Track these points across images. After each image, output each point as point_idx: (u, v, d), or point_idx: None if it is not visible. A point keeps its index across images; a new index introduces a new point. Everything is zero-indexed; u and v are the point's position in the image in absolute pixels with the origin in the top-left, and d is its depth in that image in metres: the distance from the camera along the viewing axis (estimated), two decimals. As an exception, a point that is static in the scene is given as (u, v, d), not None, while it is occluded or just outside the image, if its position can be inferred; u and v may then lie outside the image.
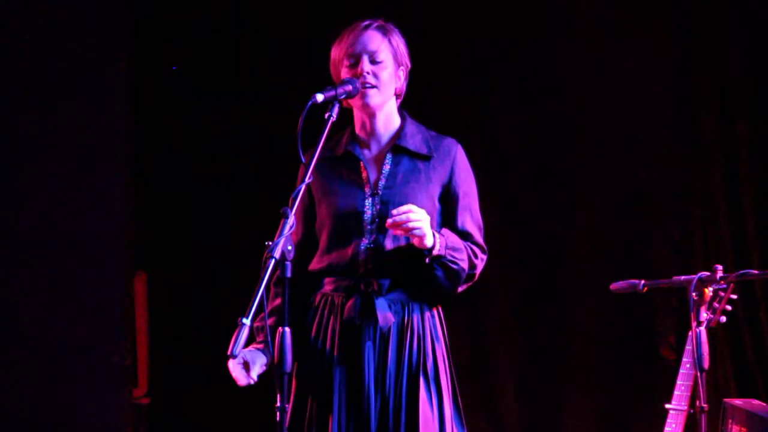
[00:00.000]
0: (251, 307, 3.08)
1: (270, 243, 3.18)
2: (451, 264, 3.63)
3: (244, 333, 3.06)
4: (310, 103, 3.47)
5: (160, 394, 6.07)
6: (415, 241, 3.59)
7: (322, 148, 3.62)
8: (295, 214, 3.27)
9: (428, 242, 3.58)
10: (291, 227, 3.23)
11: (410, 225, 3.53)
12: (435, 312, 3.77)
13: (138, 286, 5.98)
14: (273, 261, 3.15)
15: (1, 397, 5.39)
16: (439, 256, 3.61)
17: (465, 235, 3.74)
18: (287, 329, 3.20)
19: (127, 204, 5.67)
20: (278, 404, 3.19)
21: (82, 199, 5.51)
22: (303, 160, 3.40)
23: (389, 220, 3.54)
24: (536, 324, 5.69)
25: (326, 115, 3.53)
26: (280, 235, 3.20)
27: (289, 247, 3.20)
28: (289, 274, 3.20)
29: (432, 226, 3.65)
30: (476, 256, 3.73)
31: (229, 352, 3.05)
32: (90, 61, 5.55)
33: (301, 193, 3.33)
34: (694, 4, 5.48)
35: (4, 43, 5.45)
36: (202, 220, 6.02)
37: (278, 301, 3.80)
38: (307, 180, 3.39)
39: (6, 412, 5.38)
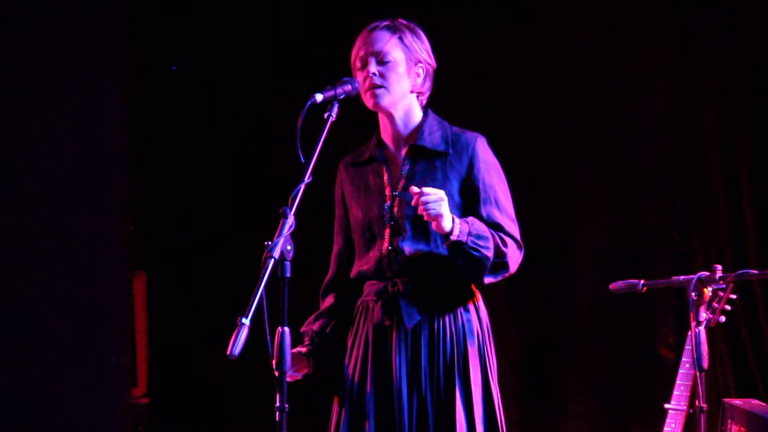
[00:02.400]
0: (251, 307, 3.09)
1: (269, 243, 3.18)
2: (473, 251, 3.59)
3: (244, 333, 3.07)
4: (309, 102, 3.48)
5: (160, 394, 6.07)
6: (433, 225, 3.57)
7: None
8: (295, 215, 3.28)
9: (446, 225, 3.55)
10: (291, 227, 3.23)
11: (426, 202, 3.51)
12: (470, 305, 3.75)
13: (138, 286, 5.98)
14: (272, 261, 3.16)
15: (1, 397, 5.39)
16: (459, 243, 3.58)
17: (494, 227, 3.71)
18: (286, 329, 3.20)
19: (126, 204, 5.67)
20: (278, 404, 3.19)
21: (81, 199, 5.51)
22: (303, 160, 3.40)
23: (413, 190, 3.52)
24: (536, 324, 5.69)
25: (325, 115, 3.53)
26: (280, 235, 3.20)
27: (289, 247, 3.20)
28: (288, 274, 3.20)
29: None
30: (505, 245, 3.67)
31: (228, 352, 3.06)
32: (90, 61, 5.55)
33: (300, 193, 3.34)
34: (694, 4, 5.48)
35: (4, 43, 5.44)
36: (201, 219, 6.02)
37: (328, 303, 3.88)
38: (306, 180, 3.39)
39: (6, 412, 5.38)
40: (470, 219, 3.64)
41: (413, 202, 3.54)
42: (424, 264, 3.68)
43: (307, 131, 3.44)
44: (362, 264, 3.78)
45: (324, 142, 3.49)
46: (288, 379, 3.72)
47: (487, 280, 3.71)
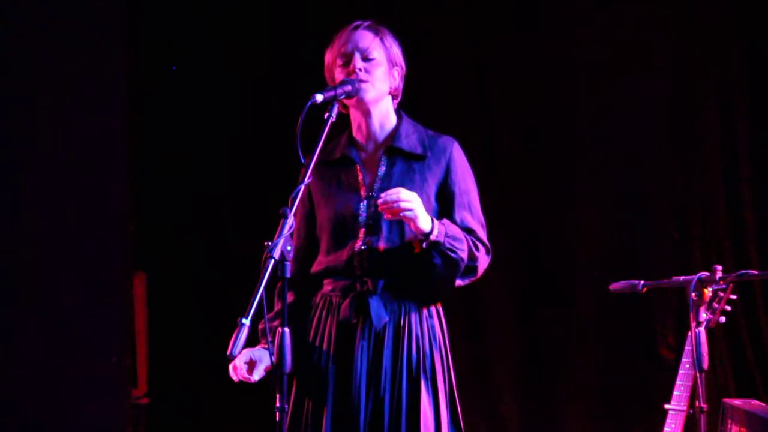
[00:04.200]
0: (251, 307, 3.09)
1: (269, 243, 3.18)
2: (449, 252, 3.62)
3: (244, 333, 3.07)
4: (309, 103, 3.49)
5: (160, 394, 6.07)
6: (411, 226, 3.58)
7: (321, 151, 3.65)
8: (294, 215, 3.28)
9: (424, 226, 3.57)
10: (290, 227, 3.23)
11: (402, 206, 3.52)
12: (434, 311, 3.77)
13: (138, 286, 5.98)
14: (272, 261, 3.16)
15: (1, 397, 5.39)
16: (437, 243, 3.59)
17: (467, 231, 3.73)
18: (287, 329, 3.20)
19: (127, 204, 5.67)
20: (278, 404, 3.19)
21: (82, 199, 5.51)
22: (303, 161, 3.40)
23: (380, 201, 3.53)
24: (536, 324, 5.69)
25: (325, 116, 3.54)
26: (280, 235, 3.21)
27: (288, 248, 3.21)
28: (288, 274, 3.21)
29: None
30: (477, 249, 3.71)
31: (228, 353, 3.06)
32: (90, 61, 5.55)
33: (300, 193, 3.34)
34: (694, 5, 5.48)
35: (4, 43, 5.44)
36: (202, 220, 6.02)
37: (280, 305, 3.84)
38: (306, 180, 3.39)
39: (6, 412, 5.38)
40: (445, 221, 3.67)
41: (381, 201, 3.53)
42: (396, 265, 3.68)
43: (307, 131, 3.44)
44: (330, 260, 3.75)
45: (324, 142, 3.49)
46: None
47: (457, 283, 3.74)
